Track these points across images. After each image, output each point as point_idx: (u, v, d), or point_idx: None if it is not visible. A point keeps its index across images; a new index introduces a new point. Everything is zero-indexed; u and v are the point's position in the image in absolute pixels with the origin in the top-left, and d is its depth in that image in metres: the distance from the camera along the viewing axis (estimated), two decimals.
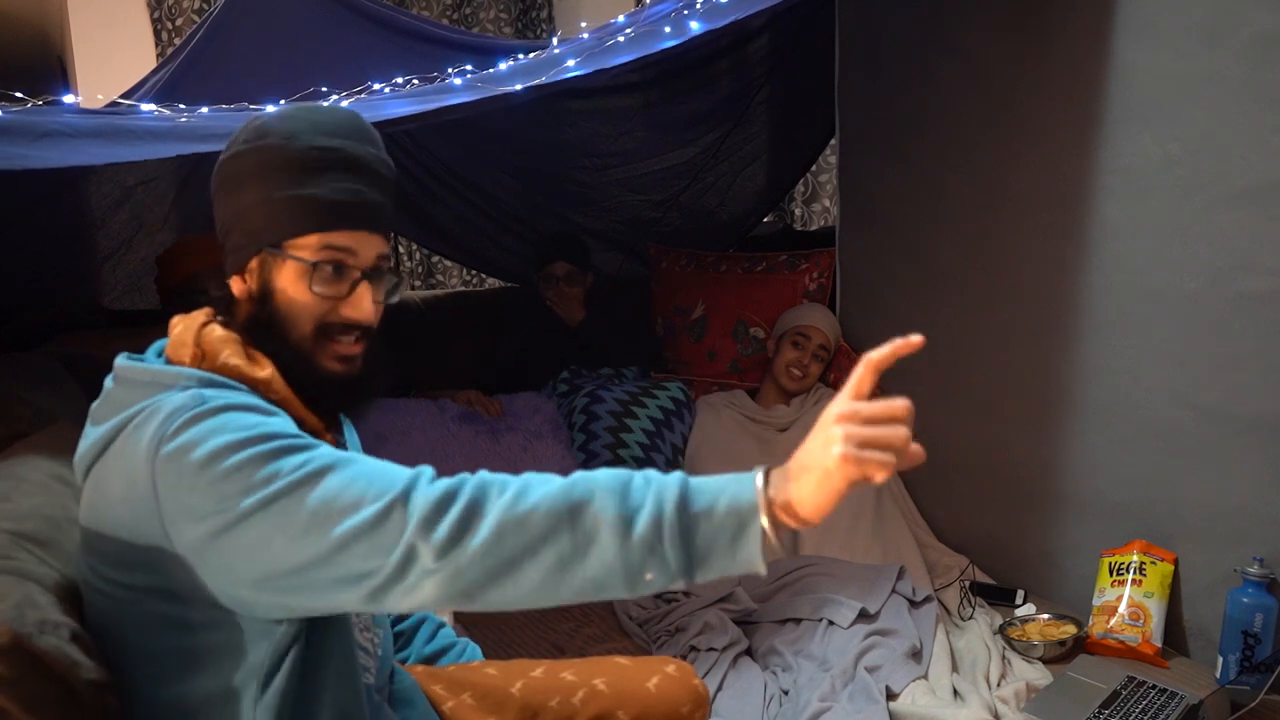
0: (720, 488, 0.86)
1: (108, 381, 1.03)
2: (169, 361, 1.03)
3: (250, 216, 1.05)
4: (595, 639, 2.08)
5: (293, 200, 1.02)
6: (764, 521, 0.83)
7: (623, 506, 0.85)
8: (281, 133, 1.03)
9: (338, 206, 1.04)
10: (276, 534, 0.87)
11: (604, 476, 0.88)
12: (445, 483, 0.89)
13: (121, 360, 1.03)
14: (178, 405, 0.93)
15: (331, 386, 1.07)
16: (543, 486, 0.87)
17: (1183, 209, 1.81)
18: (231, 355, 1.02)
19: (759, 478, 0.85)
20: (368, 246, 1.06)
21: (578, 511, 0.85)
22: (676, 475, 0.88)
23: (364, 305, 1.06)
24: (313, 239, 1.03)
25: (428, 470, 0.91)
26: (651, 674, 1.38)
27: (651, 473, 0.89)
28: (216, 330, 1.04)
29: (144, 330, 2.07)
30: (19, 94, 1.47)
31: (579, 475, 0.89)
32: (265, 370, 1.03)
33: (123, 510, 0.94)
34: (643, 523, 0.84)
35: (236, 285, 1.08)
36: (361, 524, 0.86)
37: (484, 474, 0.90)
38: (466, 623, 2.03)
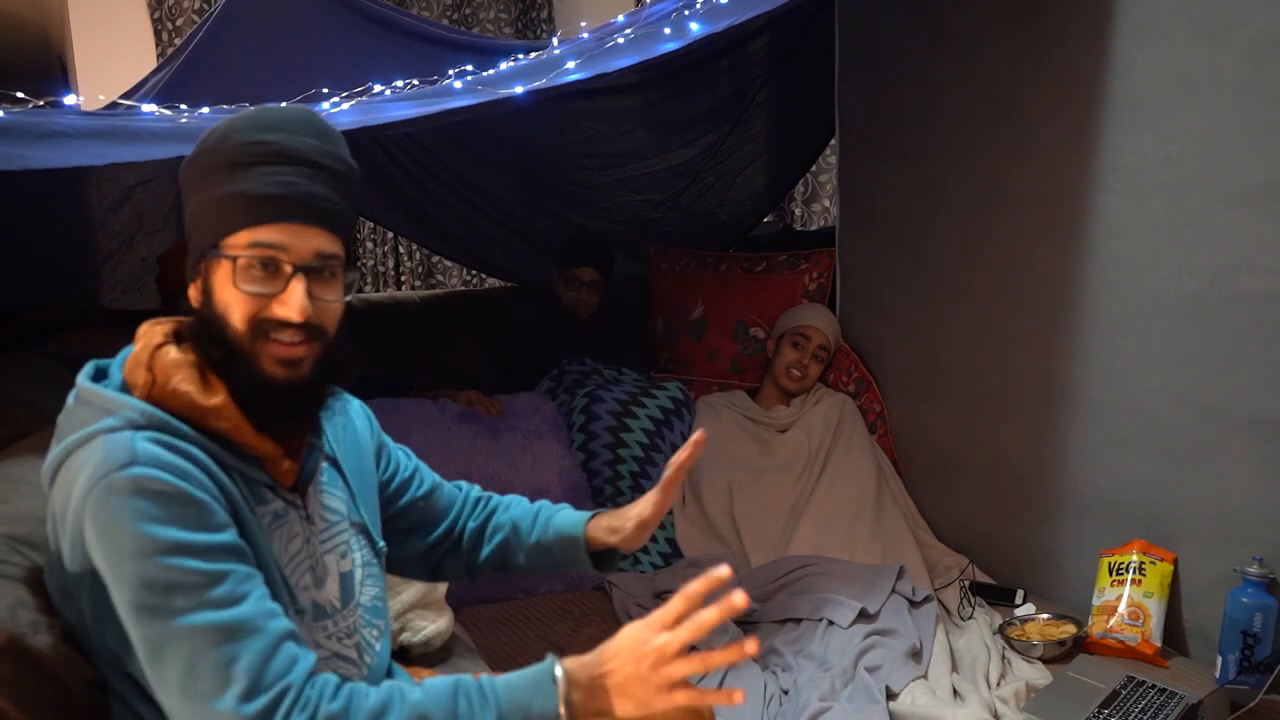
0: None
1: (70, 396, 1.02)
2: (125, 379, 1.02)
3: (194, 221, 1.03)
4: (596, 639, 2.04)
5: (225, 198, 0.99)
6: None
7: None
8: (220, 133, 1.01)
9: (264, 200, 1.00)
10: (161, 657, 0.92)
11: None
12: None
13: (83, 379, 1.02)
14: (107, 455, 0.93)
15: (271, 392, 1.03)
16: None
17: (1183, 209, 1.81)
18: (182, 381, 1.00)
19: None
20: (303, 241, 1.01)
21: None
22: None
23: (292, 302, 1.00)
24: (243, 235, 0.99)
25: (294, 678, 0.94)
26: None
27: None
28: (170, 353, 1.01)
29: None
30: (19, 94, 1.47)
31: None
32: (216, 397, 1.01)
33: (61, 529, 0.98)
34: None
35: (191, 292, 1.05)
36: (232, 714, 0.90)
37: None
38: (466, 622, 2.03)
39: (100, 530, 0.92)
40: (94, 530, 0.92)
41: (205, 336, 1.02)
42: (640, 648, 0.98)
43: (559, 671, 0.99)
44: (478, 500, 1.42)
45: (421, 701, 0.97)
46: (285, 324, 1.01)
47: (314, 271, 1.02)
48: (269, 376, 1.02)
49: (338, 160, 1.04)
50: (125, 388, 1.01)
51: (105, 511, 0.92)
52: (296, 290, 1.01)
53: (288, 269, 1.01)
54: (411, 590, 1.70)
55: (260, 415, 1.03)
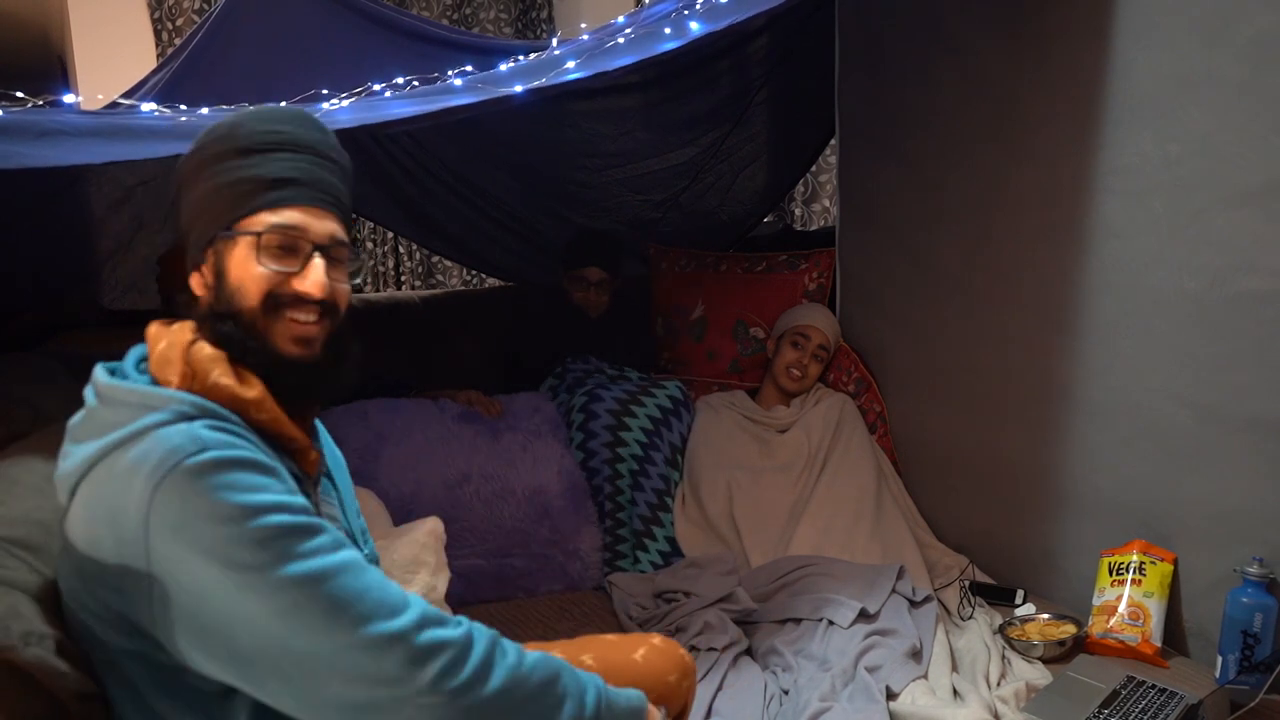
0: None
1: (89, 397, 1.01)
2: (153, 379, 1.01)
3: (202, 207, 1.05)
4: None
5: (239, 181, 1.03)
6: None
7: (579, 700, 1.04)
8: (226, 124, 1.05)
9: (284, 183, 1.04)
10: (297, 612, 0.91)
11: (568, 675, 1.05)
12: (458, 633, 0.99)
13: (103, 377, 1.01)
14: (175, 445, 0.92)
15: (287, 369, 1.06)
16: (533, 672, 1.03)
17: (1183, 209, 1.81)
18: (221, 375, 1.01)
19: None
20: (319, 223, 1.06)
21: (553, 683, 1.03)
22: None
23: (312, 278, 1.05)
24: (262, 216, 1.04)
25: (421, 603, 0.99)
26: (637, 646, 1.39)
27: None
28: (205, 349, 1.02)
29: (144, 331, 2.07)
30: (19, 94, 1.47)
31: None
32: (254, 390, 1.02)
33: (107, 535, 0.93)
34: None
35: (196, 282, 1.07)
36: (389, 633, 0.93)
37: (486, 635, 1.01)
38: (470, 617, 2.03)
39: (186, 517, 0.90)
40: (175, 519, 0.90)
41: (219, 317, 1.04)
42: None
43: None
44: None
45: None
46: (302, 300, 1.05)
47: (327, 253, 1.07)
48: (284, 354, 1.05)
49: (339, 154, 1.10)
50: (154, 385, 1.01)
51: (190, 496, 0.90)
52: (317, 267, 1.06)
53: (306, 248, 1.06)
54: (411, 590, 1.70)
55: (279, 394, 1.06)
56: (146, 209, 2.63)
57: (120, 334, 2.05)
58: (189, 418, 0.96)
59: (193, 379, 1.00)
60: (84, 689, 1.01)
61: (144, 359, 1.06)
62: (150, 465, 0.91)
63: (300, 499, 0.97)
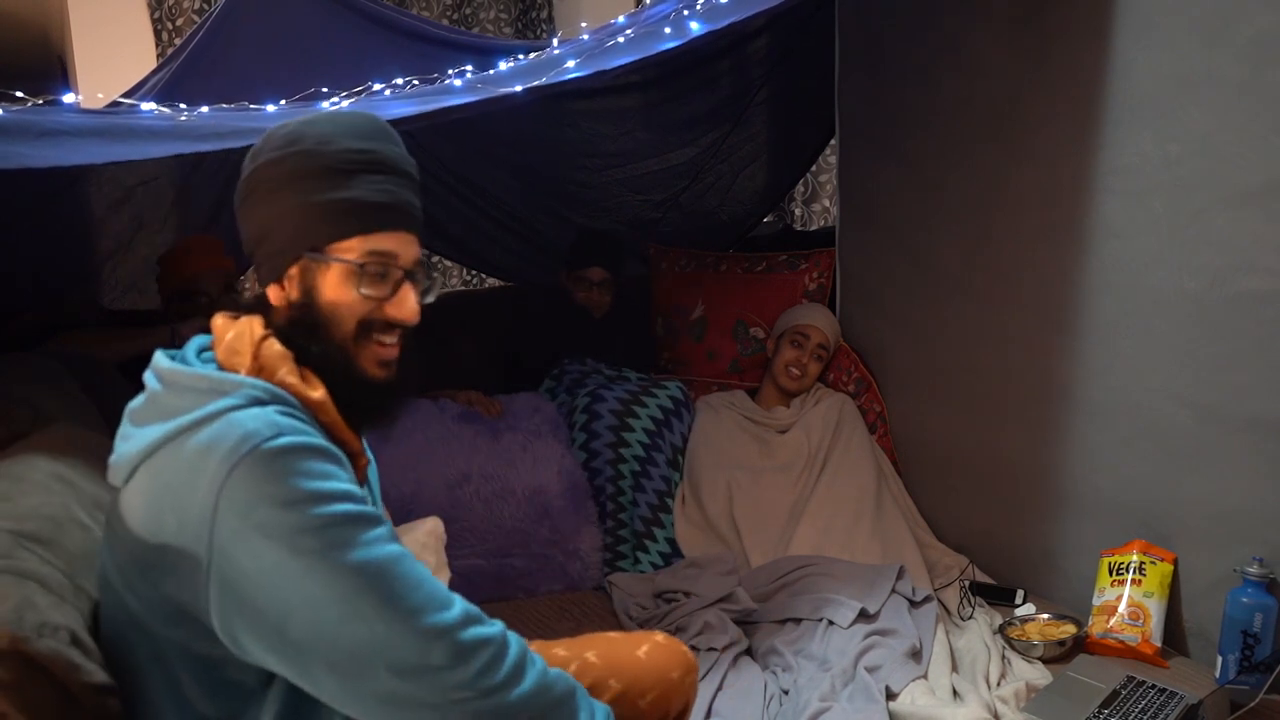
0: None
1: (151, 383, 1.02)
2: (220, 367, 1.03)
3: (287, 223, 1.04)
4: None
5: (333, 204, 1.03)
6: None
7: None
8: (315, 137, 1.04)
9: (377, 208, 1.05)
10: (355, 599, 0.92)
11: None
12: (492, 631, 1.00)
13: (166, 363, 1.02)
14: (251, 430, 0.93)
15: (370, 390, 1.08)
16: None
17: (1183, 209, 1.81)
18: (289, 374, 1.03)
19: None
20: (407, 248, 1.08)
21: (571, 697, 1.07)
22: None
23: (409, 305, 1.08)
24: (355, 242, 1.04)
25: (463, 600, 1.00)
26: (640, 644, 1.40)
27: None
28: (275, 346, 1.04)
29: (144, 330, 2.07)
30: (19, 94, 1.47)
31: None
32: (318, 392, 1.04)
33: (170, 516, 0.94)
34: None
35: (274, 293, 1.07)
36: (439, 625, 0.95)
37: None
38: None
39: (257, 499, 0.91)
40: (246, 501, 0.91)
41: (304, 334, 1.06)
42: None
43: None
44: None
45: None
46: (392, 325, 1.08)
47: (414, 275, 1.09)
48: (370, 376, 1.08)
49: (415, 167, 1.12)
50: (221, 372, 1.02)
51: (265, 479, 0.91)
52: (410, 295, 1.09)
53: (398, 274, 1.07)
54: None
55: (355, 412, 1.08)
56: (146, 209, 2.63)
57: (120, 334, 2.06)
58: (261, 403, 0.98)
59: (259, 373, 1.02)
60: (99, 681, 1.01)
61: (204, 349, 1.07)
62: (226, 447, 0.92)
63: (361, 490, 1.00)
